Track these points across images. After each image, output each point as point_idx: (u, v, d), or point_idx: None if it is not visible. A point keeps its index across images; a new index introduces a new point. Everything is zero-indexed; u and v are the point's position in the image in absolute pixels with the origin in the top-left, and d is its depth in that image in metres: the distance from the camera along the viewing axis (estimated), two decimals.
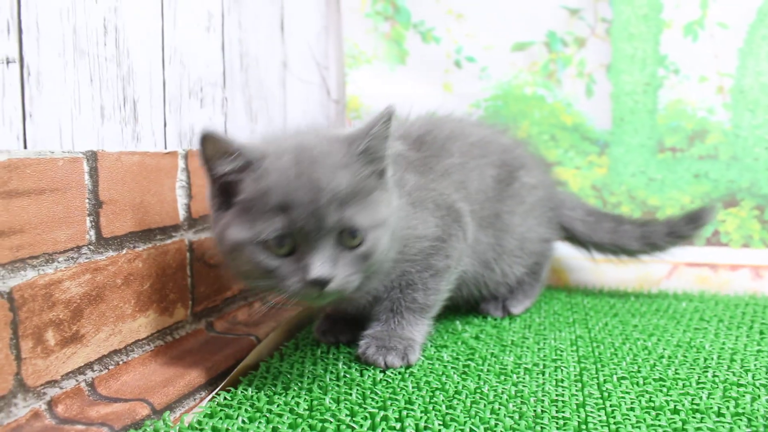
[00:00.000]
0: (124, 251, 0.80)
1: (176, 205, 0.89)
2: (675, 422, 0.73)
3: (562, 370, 0.88)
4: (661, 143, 1.27)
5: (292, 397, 0.79)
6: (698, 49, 1.25)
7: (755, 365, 0.90)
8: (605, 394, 0.80)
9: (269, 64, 1.14)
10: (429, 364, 0.90)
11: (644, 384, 0.83)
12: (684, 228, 1.16)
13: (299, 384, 0.83)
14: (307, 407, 0.77)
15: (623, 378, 0.85)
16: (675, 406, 0.77)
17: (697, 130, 1.27)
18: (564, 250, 1.27)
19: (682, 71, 1.26)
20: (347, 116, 1.34)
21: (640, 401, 0.79)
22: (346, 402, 0.78)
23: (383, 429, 0.72)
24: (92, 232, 0.76)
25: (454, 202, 0.95)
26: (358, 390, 0.81)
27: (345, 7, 1.34)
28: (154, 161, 0.85)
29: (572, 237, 1.19)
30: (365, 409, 0.76)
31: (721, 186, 1.26)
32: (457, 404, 0.77)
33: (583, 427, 0.73)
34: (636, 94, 1.28)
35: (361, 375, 0.86)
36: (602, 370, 0.87)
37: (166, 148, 0.89)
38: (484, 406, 0.77)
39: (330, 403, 0.78)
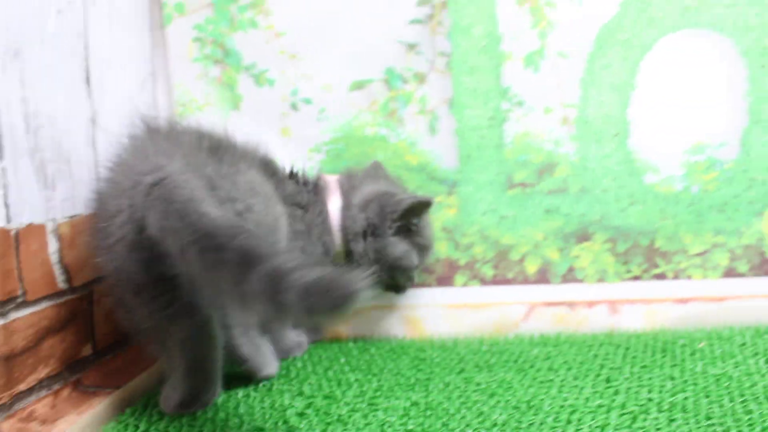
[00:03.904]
0: None
1: None
2: None
3: None
4: (510, 179, 1.22)
5: None
6: (541, 81, 1.21)
7: (590, 426, 0.84)
8: None
9: (71, 122, 1.04)
10: None
11: None
12: None
13: None
14: None
15: None
16: None
17: (545, 163, 1.22)
18: (420, 297, 1.21)
19: (527, 103, 1.21)
20: None
21: None
22: None
23: None
24: None
25: None
26: None
27: (172, 53, 1.24)
28: None
29: None
30: None
31: (573, 220, 1.21)
32: None
33: None
34: (481, 129, 1.22)
35: None
36: None
37: None
38: None
39: None
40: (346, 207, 1.12)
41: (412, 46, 1.22)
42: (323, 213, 1.12)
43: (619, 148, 1.21)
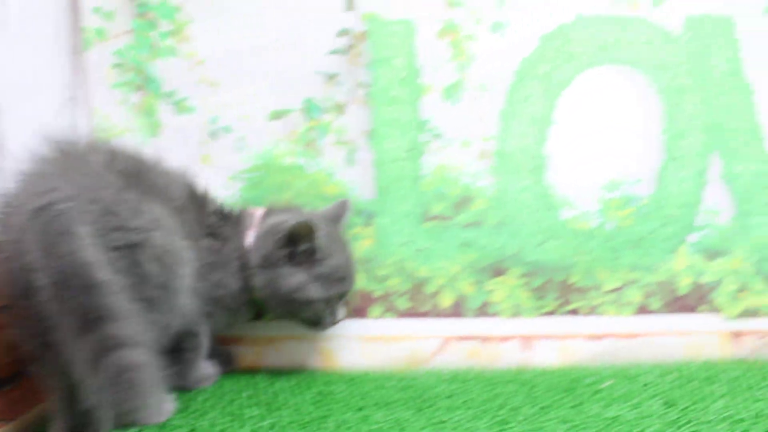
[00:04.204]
0: None
1: None
2: None
3: None
4: (427, 211, 1.22)
5: None
6: (459, 113, 1.21)
7: None
8: None
9: None
10: None
11: None
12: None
13: None
14: None
15: None
16: None
17: (462, 196, 1.22)
18: (334, 328, 1.21)
19: (445, 136, 1.21)
20: None
21: None
22: None
23: None
24: None
25: None
26: None
27: (92, 78, 1.24)
28: None
29: None
30: None
31: (489, 253, 1.21)
32: None
33: None
34: (399, 161, 1.22)
35: None
36: None
37: None
38: None
39: None
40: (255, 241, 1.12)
41: (331, 77, 1.21)
42: (239, 247, 1.11)
43: (536, 182, 1.21)
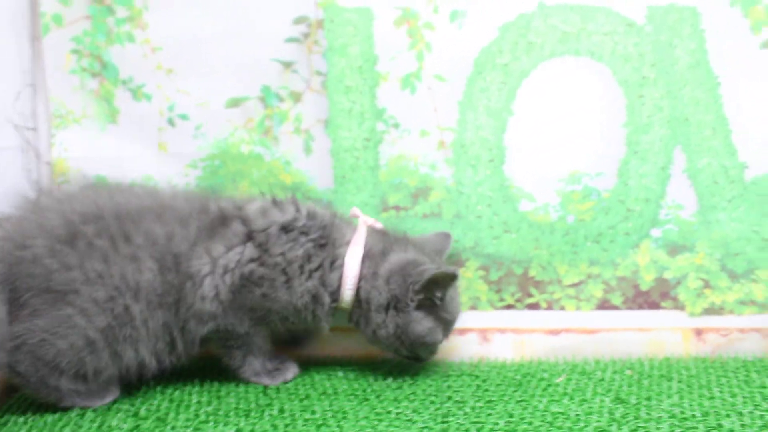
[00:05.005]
0: None
1: None
2: None
3: None
4: (384, 201, 1.20)
5: None
6: (417, 103, 1.19)
7: None
8: None
9: None
10: None
11: None
12: None
13: None
14: None
15: None
16: None
17: (420, 187, 1.20)
18: None
19: (402, 125, 1.20)
20: (55, 180, 1.24)
21: None
22: None
23: None
24: None
25: None
26: None
27: (49, 64, 1.23)
28: None
29: None
30: None
31: None
32: None
33: None
34: (356, 150, 1.20)
35: None
36: None
37: None
38: None
39: None
40: (372, 274, 1.07)
41: (288, 65, 1.20)
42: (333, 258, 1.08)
43: (495, 174, 1.19)
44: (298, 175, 1.21)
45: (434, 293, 1.05)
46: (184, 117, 1.22)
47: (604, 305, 1.19)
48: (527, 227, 1.18)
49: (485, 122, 1.18)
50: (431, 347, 1.10)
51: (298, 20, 1.18)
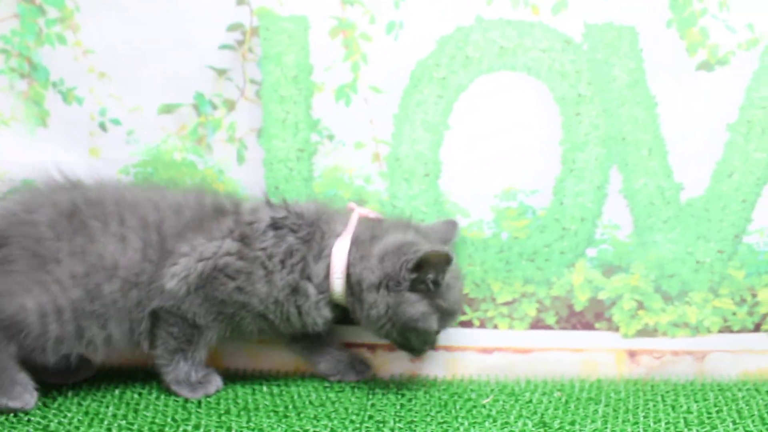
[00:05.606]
0: None
1: None
2: None
3: None
4: None
5: None
6: (353, 114, 1.17)
7: None
8: None
9: None
10: None
11: None
12: None
13: None
14: None
15: None
16: None
17: (354, 199, 1.18)
18: None
19: (337, 137, 1.17)
20: None
21: None
22: None
23: None
24: None
25: None
26: None
27: None
28: None
29: None
30: None
31: None
32: None
33: None
34: (290, 161, 1.18)
35: None
36: None
37: None
38: None
39: None
40: (361, 257, 1.06)
41: (222, 72, 1.17)
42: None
43: (429, 188, 1.17)
44: (231, 184, 1.19)
45: (428, 274, 1.03)
46: (116, 122, 1.19)
47: (537, 324, 1.18)
48: (461, 243, 1.17)
49: (421, 136, 1.16)
50: (424, 335, 1.07)
51: (233, 27, 1.16)
